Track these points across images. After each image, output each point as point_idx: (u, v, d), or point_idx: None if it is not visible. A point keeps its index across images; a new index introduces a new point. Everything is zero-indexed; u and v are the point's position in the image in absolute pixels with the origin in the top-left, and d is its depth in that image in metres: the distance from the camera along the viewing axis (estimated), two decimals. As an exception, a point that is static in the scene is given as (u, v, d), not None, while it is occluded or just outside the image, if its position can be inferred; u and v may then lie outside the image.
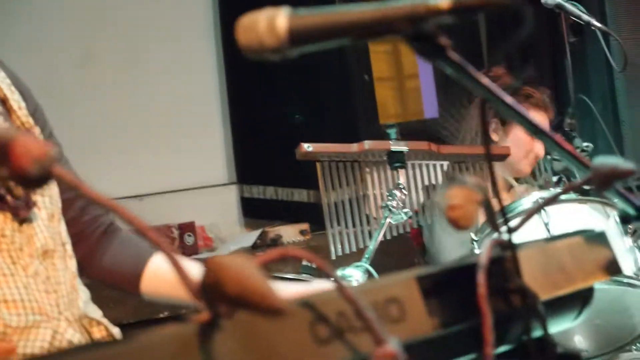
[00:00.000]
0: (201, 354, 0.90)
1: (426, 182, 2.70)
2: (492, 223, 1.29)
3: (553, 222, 2.46)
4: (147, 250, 1.90)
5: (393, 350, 1.02)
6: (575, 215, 2.49)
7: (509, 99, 1.19)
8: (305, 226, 3.81)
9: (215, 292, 0.79)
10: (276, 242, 3.63)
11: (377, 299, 1.09)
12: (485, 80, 1.18)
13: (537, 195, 2.48)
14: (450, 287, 1.22)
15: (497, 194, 1.20)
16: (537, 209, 1.34)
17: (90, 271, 1.92)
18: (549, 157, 3.01)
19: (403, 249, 3.05)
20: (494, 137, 3.12)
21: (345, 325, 1.03)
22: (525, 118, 1.22)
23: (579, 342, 2.59)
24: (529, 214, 1.32)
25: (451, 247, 3.05)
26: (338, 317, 1.03)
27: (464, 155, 2.71)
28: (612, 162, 1.24)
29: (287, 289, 1.74)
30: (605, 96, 4.41)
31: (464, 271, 1.23)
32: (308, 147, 2.55)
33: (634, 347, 2.78)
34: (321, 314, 1.01)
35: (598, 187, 1.27)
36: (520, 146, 3.04)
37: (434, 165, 2.72)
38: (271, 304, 0.80)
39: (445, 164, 2.67)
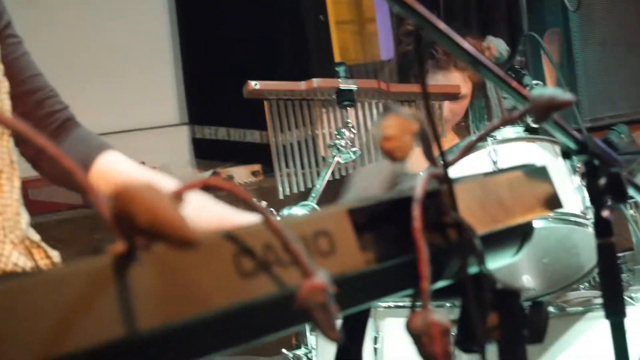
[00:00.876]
0: (115, 287, 0.86)
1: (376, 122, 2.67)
2: (429, 156, 1.26)
3: (502, 160, 2.45)
4: (98, 147, 1.83)
5: (321, 283, 0.99)
6: (524, 154, 2.48)
7: (443, 26, 1.15)
8: (257, 167, 3.77)
9: (125, 222, 0.75)
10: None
11: (306, 232, 1.06)
12: (421, 9, 1.14)
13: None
14: (384, 221, 1.19)
15: (434, 127, 1.17)
16: (475, 141, 1.31)
17: (41, 167, 1.87)
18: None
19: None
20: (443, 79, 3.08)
21: (272, 258, 1.00)
22: (461, 47, 1.19)
23: (527, 280, 2.59)
24: (467, 147, 1.30)
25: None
26: (264, 250, 0.99)
27: (415, 94, 2.68)
28: (550, 93, 1.21)
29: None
30: (560, 35, 4.39)
31: (399, 204, 1.20)
32: (255, 84, 2.51)
33: (582, 286, 2.79)
34: (246, 247, 0.97)
35: (537, 117, 1.24)
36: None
37: (384, 105, 2.69)
38: (183, 235, 0.77)
39: (401, 103, 2.64)
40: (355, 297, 1.15)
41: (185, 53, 4.40)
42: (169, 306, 0.89)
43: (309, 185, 2.55)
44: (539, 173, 1.44)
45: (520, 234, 1.47)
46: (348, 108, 2.58)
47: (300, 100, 2.58)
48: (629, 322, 2.52)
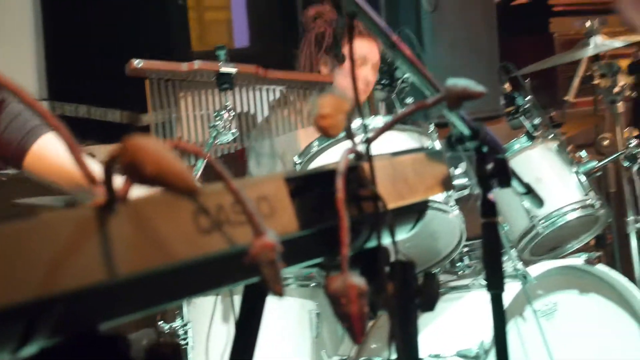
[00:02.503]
0: (98, 236, 0.93)
1: (253, 106, 2.75)
2: (349, 134, 1.36)
3: (372, 148, 2.57)
4: (39, 128, 1.90)
5: (271, 241, 1.08)
6: (394, 143, 2.62)
7: (372, 14, 1.26)
8: (119, 146, 3.78)
9: (133, 171, 0.82)
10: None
11: (251, 196, 1.14)
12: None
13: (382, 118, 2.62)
14: (312, 190, 1.29)
15: (359, 107, 1.28)
16: (393, 122, 1.43)
17: None
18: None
19: (231, 169, 3.10)
20: (324, 69, 3.19)
21: (225, 218, 1.08)
22: (386, 34, 1.29)
23: (389, 263, 2.73)
24: (385, 127, 1.41)
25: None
26: (218, 210, 1.07)
27: (291, 81, 2.78)
28: (463, 83, 1.34)
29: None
30: (413, 34, 4.58)
31: (325, 176, 1.31)
32: (138, 62, 2.54)
33: (437, 270, 2.95)
34: (203, 206, 1.05)
35: (449, 105, 1.37)
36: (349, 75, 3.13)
37: (260, 89, 2.77)
38: (187, 184, 0.85)
39: (278, 88, 2.74)
40: (289, 259, 1.24)
41: (48, 28, 4.34)
42: (141, 255, 0.97)
43: (188, 164, 2.61)
44: (437, 156, 1.57)
45: (417, 212, 1.60)
46: (227, 91, 2.65)
47: (180, 80, 2.64)
48: (480, 305, 2.73)
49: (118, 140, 2.90)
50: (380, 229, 1.39)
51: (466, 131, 1.58)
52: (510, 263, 2.69)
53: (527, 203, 2.85)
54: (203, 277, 1.06)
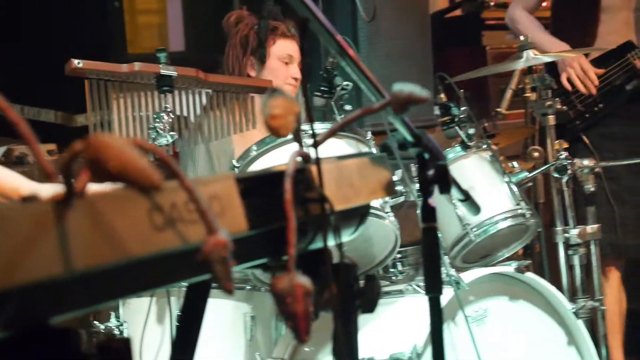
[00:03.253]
0: (54, 230, 0.94)
1: (192, 109, 2.76)
2: (297, 137, 1.39)
3: (312, 152, 2.60)
4: None
5: (224, 239, 1.10)
6: (332, 149, 2.65)
7: (324, 19, 1.29)
8: (52, 146, 3.75)
9: (95, 167, 0.83)
10: (22, 160, 3.56)
11: (202, 195, 1.16)
12: (309, 2, 1.27)
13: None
14: (261, 191, 1.31)
15: (309, 112, 1.30)
16: (341, 126, 1.46)
17: None
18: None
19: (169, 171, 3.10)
20: (252, 72, 3.22)
21: (178, 215, 1.10)
22: (335, 39, 1.32)
23: (325, 268, 2.75)
24: (332, 131, 1.44)
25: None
26: (172, 208, 1.09)
27: (230, 85, 2.80)
28: (409, 89, 1.38)
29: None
30: (349, 44, 4.62)
31: (274, 178, 1.33)
32: (78, 62, 2.54)
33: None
34: (157, 203, 1.06)
35: (395, 110, 1.40)
36: (277, 75, 3.17)
37: (200, 93, 2.79)
38: (150, 181, 0.86)
39: (217, 92, 2.75)
40: (237, 258, 1.26)
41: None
42: (96, 250, 0.98)
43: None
44: (380, 160, 1.60)
45: (360, 215, 1.63)
46: (167, 93, 2.66)
47: (120, 82, 2.64)
48: (413, 310, 2.77)
49: (52, 140, 2.88)
50: (326, 231, 1.42)
51: (409, 137, 1.61)
52: (443, 269, 2.74)
53: (460, 210, 2.91)
54: (156, 273, 1.08)
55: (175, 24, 5.69)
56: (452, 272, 2.72)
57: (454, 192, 1.89)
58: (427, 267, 1.70)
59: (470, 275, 2.77)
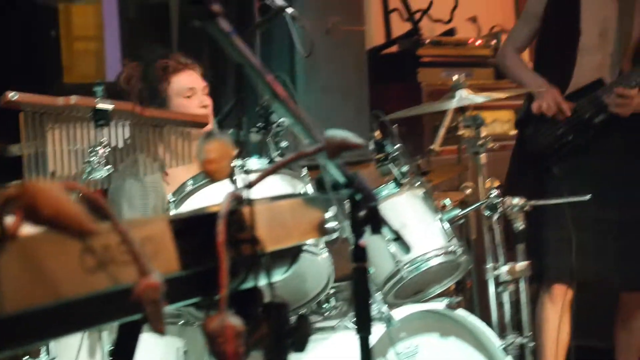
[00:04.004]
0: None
1: (128, 142, 2.76)
2: (231, 179, 1.41)
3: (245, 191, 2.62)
4: None
5: (155, 282, 1.12)
6: (268, 185, 2.66)
7: (259, 65, 1.32)
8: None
9: (30, 213, 0.84)
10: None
11: (135, 236, 1.18)
12: (243, 48, 1.30)
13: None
14: (194, 232, 1.33)
15: (243, 148, 1.32)
16: (273, 169, 1.48)
17: None
18: (230, 130, 3.13)
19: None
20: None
21: (111, 257, 1.11)
22: (270, 84, 1.35)
23: (259, 303, 2.77)
24: (265, 173, 1.46)
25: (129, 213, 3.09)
26: (105, 250, 1.10)
27: (167, 119, 2.80)
28: (342, 135, 1.41)
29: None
30: (286, 79, 4.66)
31: (206, 219, 1.35)
32: (13, 95, 2.53)
33: (304, 311, 3.01)
34: (91, 245, 1.08)
35: (329, 156, 1.43)
36: (186, 111, 3.11)
37: (136, 127, 2.78)
38: (83, 227, 0.87)
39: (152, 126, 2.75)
40: (170, 297, 1.28)
41: None
42: (28, 292, 0.99)
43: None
44: (314, 201, 1.63)
45: (292, 255, 1.66)
46: (103, 127, 2.65)
47: (56, 115, 2.63)
48: (345, 346, 2.79)
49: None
50: (257, 272, 1.44)
51: (341, 179, 1.64)
52: (375, 306, 2.78)
53: (393, 248, 2.95)
54: (87, 314, 1.09)
55: (113, 51, 5.67)
56: (384, 308, 2.75)
57: (385, 231, 1.92)
58: (357, 307, 1.72)
59: (401, 312, 2.80)
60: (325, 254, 2.74)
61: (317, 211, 1.61)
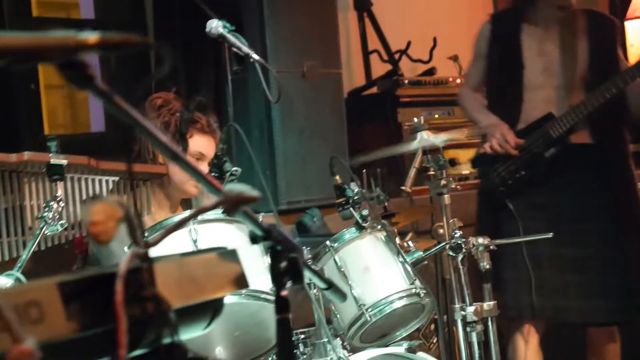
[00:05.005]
0: None
1: (85, 196, 2.78)
2: (134, 237, 1.42)
3: (202, 239, 2.63)
4: None
5: (28, 348, 1.13)
6: (223, 234, 2.68)
7: (150, 127, 1.33)
8: None
9: None
10: None
11: (18, 302, 1.19)
12: (129, 109, 1.32)
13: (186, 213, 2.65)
14: (90, 293, 1.34)
15: (137, 210, 1.33)
16: (175, 226, 1.49)
17: None
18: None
19: (61, 258, 3.09)
20: (161, 159, 3.23)
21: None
22: (162, 143, 1.37)
23: (219, 352, 2.76)
24: (167, 230, 1.47)
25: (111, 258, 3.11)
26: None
27: (122, 172, 2.82)
28: (239, 189, 1.42)
29: None
30: (263, 124, 4.69)
31: (106, 279, 1.36)
32: (-35, 154, 2.55)
33: (270, 359, 3.01)
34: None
35: (227, 209, 1.44)
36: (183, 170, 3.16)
37: (93, 180, 2.80)
38: None
39: (110, 179, 2.77)
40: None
41: None
42: None
43: (14, 255, 2.61)
44: (230, 255, 1.64)
45: (212, 309, 1.66)
46: (57, 182, 2.67)
47: (10, 171, 2.65)
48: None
49: None
50: (164, 328, 1.44)
51: (258, 231, 1.65)
52: (333, 352, 2.77)
53: (356, 291, 2.95)
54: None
55: (97, 103, 5.71)
56: (342, 355, 2.74)
57: (317, 281, 1.93)
58: (281, 357, 1.73)
59: (361, 357, 2.80)
60: (281, 302, 2.74)
61: (234, 265, 1.62)
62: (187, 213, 2.71)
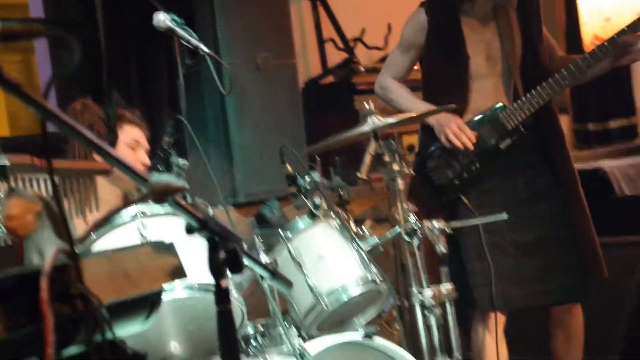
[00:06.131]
0: None
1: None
2: (59, 232, 1.39)
3: (150, 234, 2.59)
4: None
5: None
6: (172, 228, 2.65)
7: (66, 118, 1.30)
8: None
9: None
10: None
11: None
12: (45, 103, 1.29)
13: (135, 208, 2.61)
14: (16, 293, 1.31)
15: (60, 205, 1.31)
16: (101, 221, 1.47)
17: None
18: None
19: (2, 263, 3.04)
20: (98, 157, 3.20)
21: None
22: (81, 135, 1.34)
23: (175, 347, 2.73)
24: (94, 225, 1.44)
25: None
26: None
27: (69, 170, 2.78)
28: (165, 179, 1.39)
29: None
30: (218, 118, 4.66)
31: (31, 278, 1.33)
32: None
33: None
34: None
35: (155, 200, 1.41)
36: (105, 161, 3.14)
37: (37, 180, 2.76)
38: None
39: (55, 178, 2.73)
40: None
41: None
42: None
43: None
44: (166, 248, 1.61)
45: (149, 302, 1.63)
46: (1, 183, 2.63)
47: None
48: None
49: None
50: (96, 325, 1.42)
51: (194, 222, 1.63)
52: (289, 341, 2.75)
53: (312, 279, 2.93)
54: None
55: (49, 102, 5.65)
56: (298, 344, 2.72)
57: (259, 270, 1.91)
58: (222, 350, 1.71)
59: (317, 346, 2.78)
60: (235, 295, 2.72)
61: (170, 256, 1.59)
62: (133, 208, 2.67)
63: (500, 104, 3.66)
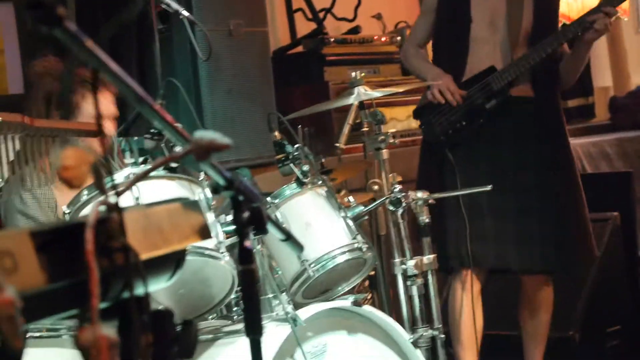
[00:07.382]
0: None
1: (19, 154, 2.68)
2: (100, 186, 1.37)
3: (143, 196, 2.57)
4: None
5: (9, 298, 1.08)
6: (164, 191, 2.63)
7: (116, 68, 1.29)
8: None
9: None
10: None
11: (-9, 251, 1.14)
12: (98, 51, 1.27)
13: (129, 170, 2.58)
14: (62, 244, 1.29)
15: (108, 161, 1.29)
16: (144, 174, 1.45)
17: None
18: (136, 138, 3.06)
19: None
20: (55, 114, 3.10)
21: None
22: (131, 88, 1.32)
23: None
24: (135, 179, 1.43)
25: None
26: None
27: (58, 130, 2.74)
28: (210, 136, 1.38)
29: None
30: (190, 82, 4.62)
31: (75, 229, 1.31)
32: None
33: (211, 316, 2.98)
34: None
35: (197, 157, 1.40)
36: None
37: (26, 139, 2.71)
38: None
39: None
40: (35, 312, 1.24)
41: None
42: None
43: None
44: (193, 206, 1.60)
45: (175, 261, 1.62)
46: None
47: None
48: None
49: None
50: (133, 280, 1.40)
51: (221, 181, 1.62)
52: (280, 307, 2.76)
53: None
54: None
55: (14, 64, 5.55)
56: (290, 309, 2.73)
57: (275, 232, 1.91)
58: (246, 309, 1.71)
59: (308, 311, 2.79)
60: (227, 258, 2.71)
61: (198, 215, 1.58)
62: (126, 170, 2.64)
63: (492, 67, 3.74)
